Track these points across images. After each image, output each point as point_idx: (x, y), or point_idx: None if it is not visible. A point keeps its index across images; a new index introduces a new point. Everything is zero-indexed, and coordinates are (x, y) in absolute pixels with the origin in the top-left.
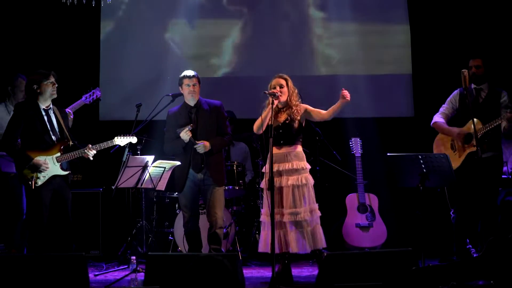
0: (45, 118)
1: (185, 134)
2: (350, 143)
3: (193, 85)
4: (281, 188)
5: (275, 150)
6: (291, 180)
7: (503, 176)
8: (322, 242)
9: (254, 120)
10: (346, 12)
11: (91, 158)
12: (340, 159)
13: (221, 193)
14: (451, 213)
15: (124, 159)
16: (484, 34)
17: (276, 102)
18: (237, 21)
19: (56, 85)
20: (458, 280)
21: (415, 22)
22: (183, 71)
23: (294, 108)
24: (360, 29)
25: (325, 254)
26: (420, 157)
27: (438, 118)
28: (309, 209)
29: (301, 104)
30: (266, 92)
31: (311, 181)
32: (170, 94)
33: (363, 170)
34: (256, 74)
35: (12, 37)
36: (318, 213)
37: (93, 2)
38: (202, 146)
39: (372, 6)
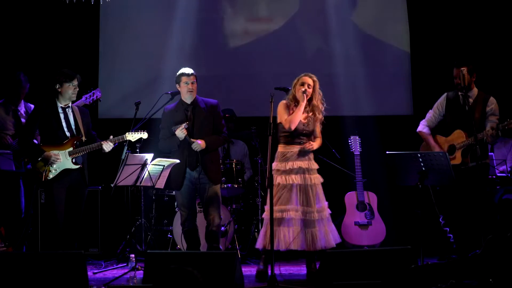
0: (62, 115)
1: (180, 132)
2: (349, 141)
3: (192, 83)
4: (306, 186)
5: (295, 148)
6: (317, 178)
7: (502, 175)
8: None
9: (254, 118)
10: (345, 11)
11: (107, 150)
12: (339, 157)
13: (217, 191)
14: (440, 219)
15: (123, 157)
16: (483, 32)
17: (306, 99)
18: (236, 19)
19: (77, 89)
20: (457, 278)
21: (414, 20)
22: (183, 68)
23: (315, 111)
24: (360, 28)
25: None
26: (419, 155)
27: (423, 127)
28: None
29: (320, 115)
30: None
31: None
32: (169, 92)
33: (362, 168)
34: (256, 72)
35: (11, 36)
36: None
37: (92, 0)
38: (198, 144)
39: (372, 5)
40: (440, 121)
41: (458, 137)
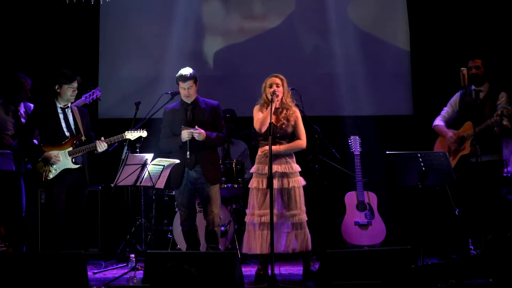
0: (61, 116)
1: (186, 135)
2: (349, 141)
3: (188, 89)
4: (283, 190)
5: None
6: (297, 181)
7: (503, 175)
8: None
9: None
10: (345, 10)
11: (100, 150)
12: (339, 157)
13: (217, 191)
14: (456, 212)
15: (123, 157)
16: (484, 32)
17: (276, 100)
18: (236, 19)
19: (76, 91)
20: (457, 278)
21: (414, 20)
22: (182, 69)
23: (289, 110)
24: (360, 27)
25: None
26: (419, 155)
27: (438, 121)
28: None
29: (296, 110)
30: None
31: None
32: (169, 92)
33: (362, 168)
34: (256, 72)
35: (11, 37)
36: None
37: (92, 0)
38: (201, 134)
39: (371, 3)
40: (454, 118)
41: (468, 128)
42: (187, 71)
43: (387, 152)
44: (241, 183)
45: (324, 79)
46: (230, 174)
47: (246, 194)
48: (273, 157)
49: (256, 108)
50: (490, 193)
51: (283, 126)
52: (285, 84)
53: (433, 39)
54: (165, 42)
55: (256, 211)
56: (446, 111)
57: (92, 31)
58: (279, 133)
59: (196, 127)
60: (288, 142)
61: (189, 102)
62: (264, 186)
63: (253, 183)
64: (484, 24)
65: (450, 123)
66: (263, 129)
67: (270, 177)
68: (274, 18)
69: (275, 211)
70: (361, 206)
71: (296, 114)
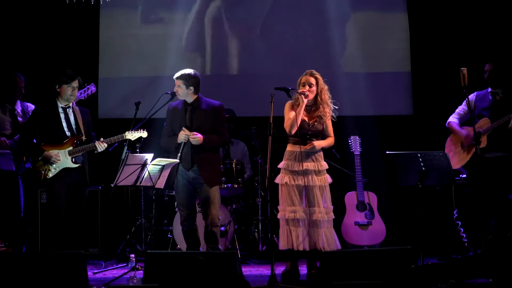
0: (62, 115)
1: (183, 137)
2: (349, 141)
3: (177, 87)
4: (312, 187)
5: (302, 148)
6: (324, 179)
7: None
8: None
9: (254, 118)
10: (345, 10)
11: (99, 150)
12: (339, 157)
13: (215, 191)
14: (454, 212)
15: (123, 157)
16: (484, 32)
17: (305, 100)
18: (237, 19)
19: (76, 91)
20: (457, 278)
21: (414, 19)
22: (182, 69)
23: (322, 109)
24: (359, 27)
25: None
26: (419, 155)
27: (452, 118)
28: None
29: (329, 112)
30: (295, 89)
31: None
32: (169, 92)
33: (362, 168)
34: (256, 72)
35: (11, 36)
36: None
37: (92, 0)
38: (196, 139)
39: (372, 4)
40: (468, 118)
41: (484, 124)
42: (181, 71)
43: (387, 152)
44: (241, 183)
45: (324, 79)
46: (230, 174)
47: (246, 194)
48: (306, 154)
49: (288, 104)
50: (500, 189)
51: (315, 123)
52: (321, 82)
53: (433, 38)
54: (165, 42)
55: (288, 208)
56: (461, 108)
57: (92, 30)
58: (311, 131)
59: (194, 132)
60: (318, 139)
61: (189, 102)
62: (295, 182)
63: (283, 179)
64: (485, 23)
65: (464, 121)
66: (293, 131)
67: (270, 177)
68: (274, 18)
69: (304, 208)
70: (361, 206)
71: (330, 115)
